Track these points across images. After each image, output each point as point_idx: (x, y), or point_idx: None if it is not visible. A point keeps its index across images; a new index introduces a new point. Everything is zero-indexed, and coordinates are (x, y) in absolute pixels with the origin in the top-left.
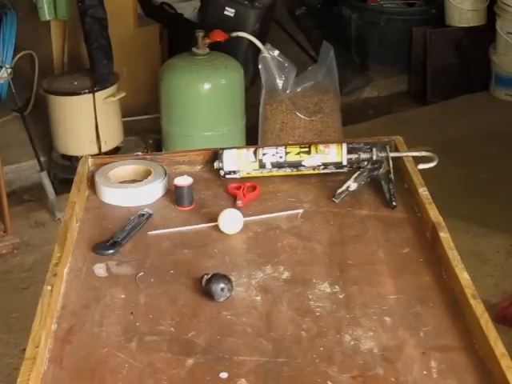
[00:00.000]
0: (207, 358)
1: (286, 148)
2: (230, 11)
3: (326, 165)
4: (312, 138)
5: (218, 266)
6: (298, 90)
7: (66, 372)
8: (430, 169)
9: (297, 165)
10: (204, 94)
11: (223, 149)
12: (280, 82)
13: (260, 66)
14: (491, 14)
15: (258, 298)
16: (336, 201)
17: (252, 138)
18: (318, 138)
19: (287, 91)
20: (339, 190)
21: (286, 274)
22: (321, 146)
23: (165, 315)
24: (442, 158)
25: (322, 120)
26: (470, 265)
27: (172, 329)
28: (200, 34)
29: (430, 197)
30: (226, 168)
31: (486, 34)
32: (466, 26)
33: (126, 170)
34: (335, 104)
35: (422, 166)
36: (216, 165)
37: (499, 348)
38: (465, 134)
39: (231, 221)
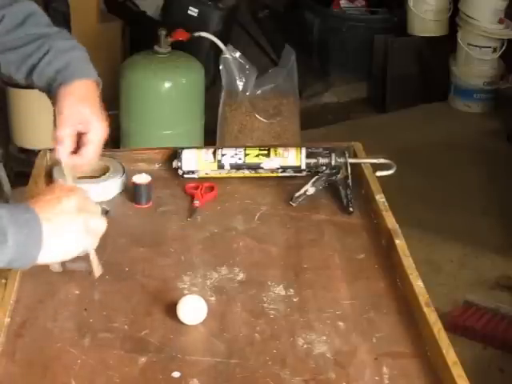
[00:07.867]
0: (160, 357)
1: (245, 150)
2: (193, 11)
3: (284, 168)
4: (270, 141)
5: (173, 265)
6: (258, 92)
7: (18, 366)
8: (388, 176)
9: (255, 167)
10: (164, 92)
11: (182, 148)
12: (240, 84)
13: (221, 67)
14: (453, 24)
15: (213, 298)
16: (293, 204)
17: (210, 138)
18: (276, 140)
19: (247, 93)
20: (297, 194)
21: (241, 276)
22: (280, 150)
23: (119, 312)
24: (400, 166)
25: (280, 123)
26: (423, 273)
27: (125, 326)
28: (162, 32)
29: (386, 204)
30: (185, 167)
31: (446, 44)
32: (428, 35)
33: None
34: (294, 108)
35: (379, 173)
36: (175, 164)
37: (451, 356)
38: (423, 143)
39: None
